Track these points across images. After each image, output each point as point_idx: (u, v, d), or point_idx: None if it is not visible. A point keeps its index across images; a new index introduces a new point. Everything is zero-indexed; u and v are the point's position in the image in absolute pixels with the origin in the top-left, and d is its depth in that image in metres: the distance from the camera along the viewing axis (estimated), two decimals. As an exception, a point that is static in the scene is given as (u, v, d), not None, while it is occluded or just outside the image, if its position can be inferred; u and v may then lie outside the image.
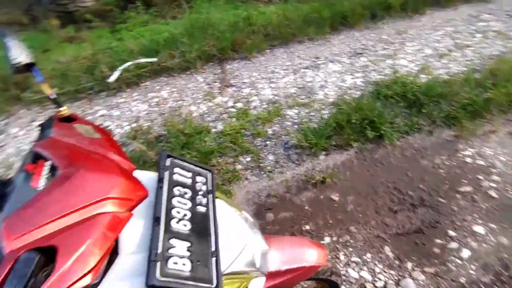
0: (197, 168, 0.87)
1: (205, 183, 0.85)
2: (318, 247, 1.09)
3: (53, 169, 0.65)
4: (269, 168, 2.16)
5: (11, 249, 0.51)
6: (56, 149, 0.70)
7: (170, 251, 0.64)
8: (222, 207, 0.89)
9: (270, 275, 0.94)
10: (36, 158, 0.68)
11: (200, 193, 0.81)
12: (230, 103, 2.74)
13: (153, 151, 2.25)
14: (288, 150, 2.26)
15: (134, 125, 2.62)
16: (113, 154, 0.74)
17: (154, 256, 0.61)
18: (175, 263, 0.64)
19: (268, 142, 2.34)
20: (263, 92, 2.81)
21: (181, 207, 0.74)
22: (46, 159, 0.67)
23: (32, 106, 3.07)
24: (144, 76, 3.21)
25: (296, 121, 2.47)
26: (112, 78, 3.13)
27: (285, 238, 1.10)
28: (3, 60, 0.87)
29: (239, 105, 2.70)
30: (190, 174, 0.83)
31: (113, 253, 0.64)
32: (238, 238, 0.84)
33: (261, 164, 2.18)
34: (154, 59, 3.27)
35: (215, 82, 3.06)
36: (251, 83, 2.96)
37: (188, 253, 0.67)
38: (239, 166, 2.18)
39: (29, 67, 0.81)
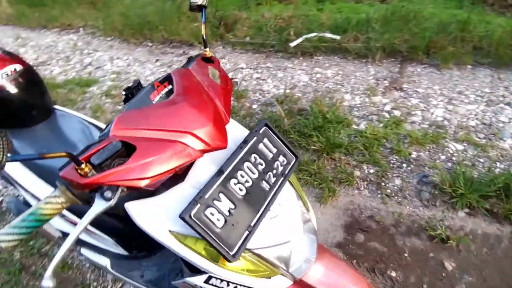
0: (285, 149, 0.86)
1: (284, 165, 0.84)
2: None
3: (170, 92, 0.78)
4: (388, 191, 1.89)
5: (113, 134, 0.67)
6: (183, 78, 0.83)
7: (214, 202, 0.69)
8: (288, 195, 0.87)
9: (299, 284, 0.88)
10: (166, 79, 0.83)
11: (274, 171, 0.81)
12: (388, 107, 2.46)
13: (289, 121, 2.34)
14: (422, 185, 1.89)
15: (288, 91, 2.76)
16: (219, 101, 0.82)
17: (198, 198, 0.67)
18: (212, 214, 0.68)
19: (404, 165, 2.02)
20: (432, 110, 2.37)
21: (248, 173, 0.76)
22: (170, 83, 0.81)
23: (228, 45, 3.67)
24: (320, 50, 3.25)
25: (453, 158, 2.00)
26: (294, 43, 3.30)
27: (340, 261, 0.99)
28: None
29: (396, 112, 2.39)
30: (275, 150, 0.84)
31: (179, 179, 0.75)
32: (286, 231, 0.81)
33: (382, 183, 1.93)
34: (337, 37, 3.22)
35: (385, 79, 2.78)
36: (424, 95, 2.53)
37: (227, 213, 0.70)
38: (357, 173, 2.01)
39: (201, 8, 0.95)
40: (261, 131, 0.83)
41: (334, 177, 1.99)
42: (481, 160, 1.97)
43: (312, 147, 2.15)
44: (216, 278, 0.75)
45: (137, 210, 0.70)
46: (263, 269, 0.78)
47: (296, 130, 2.27)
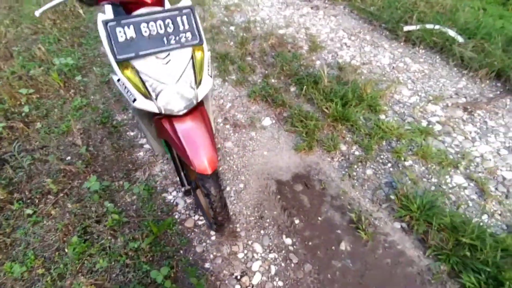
0: (196, 32, 1.19)
1: (187, 40, 1.19)
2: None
3: None
4: (354, 174, 1.95)
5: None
6: None
7: (125, 27, 1.14)
8: (183, 61, 1.22)
9: (168, 119, 1.28)
10: None
11: (177, 38, 1.16)
12: (434, 119, 2.27)
13: (329, 83, 2.47)
14: (387, 186, 1.87)
15: (356, 63, 2.78)
16: None
17: (117, 19, 1.14)
18: (119, 31, 1.13)
19: (389, 164, 1.98)
20: (476, 149, 2.09)
21: (157, 26, 1.16)
22: None
23: (349, 6, 3.70)
24: (428, 43, 2.97)
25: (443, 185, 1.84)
26: (408, 27, 3.11)
27: (205, 126, 1.31)
28: None
29: (437, 127, 2.20)
30: (187, 27, 1.18)
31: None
32: (166, 76, 1.20)
33: (355, 166, 1.99)
34: (461, 39, 2.86)
35: (465, 97, 2.46)
36: (487, 131, 2.19)
37: (128, 38, 1.14)
38: (343, 148, 2.09)
39: None
40: (183, 11, 1.19)
41: (320, 139, 2.15)
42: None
43: (325, 109, 2.29)
44: (119, 80, 1.23)
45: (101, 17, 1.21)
46: (141, 88, 1.21)
47: (328, 92, 2.40)
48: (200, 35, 1.21)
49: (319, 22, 3.47)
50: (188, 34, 1.20)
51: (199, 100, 1.28)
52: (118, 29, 1.12)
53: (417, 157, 1.99)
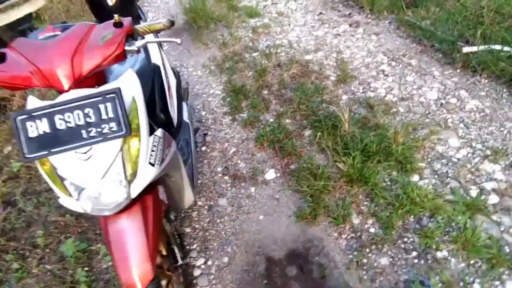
0: (122, 121, 0.94)
1: (111, 131, 0.95)
2: None
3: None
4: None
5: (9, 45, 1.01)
6: (76, 30, 1.02)
7: (37, 120, 0.93)
8: (109, 156, 0.98)
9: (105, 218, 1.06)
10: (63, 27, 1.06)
11: (99, 130, 0.93)
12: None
13: (350, 128, 2.04)
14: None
15: (394, 99, 2.27)
16: (84, 58, 0.96)
17: (27, 112, 0.94)
18: (31, 126, 0.92)
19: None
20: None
21: (75, 118, 0.93)
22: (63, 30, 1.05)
23: (396, 22, 3.14)
24: (493, 71, 2.31)
25: None
26: (468, 49, 2.47)
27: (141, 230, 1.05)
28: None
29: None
30: (111, 116, 0.93)
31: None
32: (88, 173, 0.98)
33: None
34: None
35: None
36: None
37: (41, 132, 0.92)
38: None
39: None
40: (107, 96, 0.96)
41: (329, 205, 1.74)
42: None
43: (339, 164, 1.87)
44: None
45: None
46: (61, 187, 1.02)
47: (347, 140, 1.98)
48: (126, 125, 0.96)
49: (355, 43, 2.98)
50: (112, 124, 0.95)
51: (133, 196, 1.04)
52: (29, 123, 0.93)
53: (456, 247, 1.47)
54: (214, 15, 3.79)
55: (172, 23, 1.18)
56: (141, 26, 1.13)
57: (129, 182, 1.02)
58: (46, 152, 0.93)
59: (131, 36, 1.10)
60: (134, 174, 1.03)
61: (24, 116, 0.91)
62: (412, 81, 2.45)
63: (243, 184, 2.01)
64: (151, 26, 1.14)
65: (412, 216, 1.63)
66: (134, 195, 1.03)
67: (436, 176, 1.79)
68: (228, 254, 1.69)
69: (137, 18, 1.92)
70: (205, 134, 2.37)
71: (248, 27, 3.55)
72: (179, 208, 1.63)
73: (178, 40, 1.14)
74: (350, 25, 3.27)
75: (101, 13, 1.79)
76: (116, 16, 1.02)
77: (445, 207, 1.61)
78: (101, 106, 0.94)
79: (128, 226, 1.06)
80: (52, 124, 0.92)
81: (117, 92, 0.94)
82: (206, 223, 1.86)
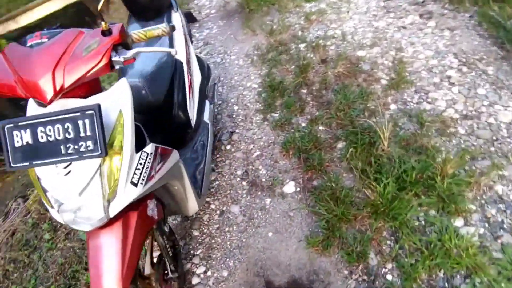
0: (99, 140, 0.88)
1: (87, 150, 0.89)
2: None
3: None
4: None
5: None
6: (62, 37, 0.96)
7: (22, 130, 0.90)
8: (88, 172, 0.94)
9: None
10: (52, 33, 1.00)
11: (76, 147, 0.88)
12: None
13: (390, 140, 1.75)
14: None
15: (455, 116, 1.88)
16: (67, 69, 0.90)
17: (15, 121, 0.93)
18: (16, 135, 0.90)
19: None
20: None
21: (55, 132, 0.89)
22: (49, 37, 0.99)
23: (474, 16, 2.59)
24: None
25: None
26: None
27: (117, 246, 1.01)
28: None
29: None
30: (89, 134, 0.88)
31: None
32: (67, 188, 0.95)
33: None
34: None
35: None
36: None
37: (24, 143, 0.91)
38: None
39: None
40: (86, 112, 0.90)
41: (345, 236, 1.54)
42: None
43: (367, 190, 1.63)
44: None
45: None
46: (44, 197, 1.02)
47: (382, 162, 1.71)
48: (101, 145, 0.90)
49: (422, 39, 2.53)
50: (89, 143, 0.90)
51: (112, 216, 1.00)
52: (15, 132, 0.92)
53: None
54: (269, -3, 3.56)
55: (172, 29, 1.06)
56: (136, 32, 1.03)
57: (108, 201, 0.98)
58: (27, 164, 0.92)
59: (124, 44, 1.02)
60: (113, 193, 0.98)
61: (11, 125, 0.90)
62: (483, 94, 2.00)
63: (259, 193, 1.89)
64: (147, 33, 1.03)
65: (442, 271, 1.35)
66: (112, 214, 0.99)
67: (486, 225, 1.45)
68: (228, 268, 1.62)
69: (168, 7, 1.84)
70: (232, 132, 2.27)
71: (302, 12, 3.25)
72: (183, 214, 1.58)
73: (173, 51, 1.02)
74: (421, 16, 2.78)
75: (133, 4, 1.75)
76: (103, 23, 0.93)
77: (489, 268, 1.29)
78: (80, 123, 0.89)
79: (106, 243, 1.03)
80: (34, 136, 0.90)
81: (95, 110, 0.88)
82: (214, 229, 1.80)
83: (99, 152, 0.89)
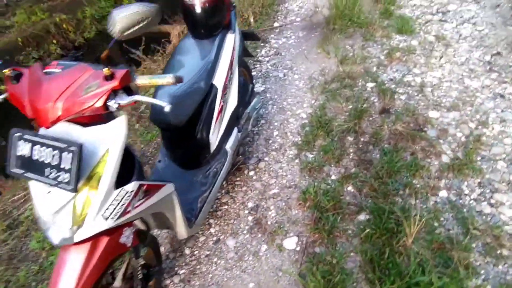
0: (74, 176, 0.93)
1: (58, 178, 0.95)
2: None
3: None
4: None
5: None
6: (73, 70, 1.00)
7: (21, 144, 1.00)
8: (62, 201, 1.01)
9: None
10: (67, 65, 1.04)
11: (51, 174, 0.94)
12: None
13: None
14: None
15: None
16: (63, 104, 0.95)
17: (18, 133, 1.03)
18: (15, 148, 1.01)
19: None
20: None
21: (45, 153, 0.97)
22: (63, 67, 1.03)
23: None
24: None
25: None
26: None
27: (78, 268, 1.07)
28: None
29: None
30: (67, 167, 0.92)
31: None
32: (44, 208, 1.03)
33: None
34: None
35: None
36: None
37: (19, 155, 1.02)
38: None
39: None
40: (70, 147, 0.94)
41: None
42: None
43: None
44: None
45: None
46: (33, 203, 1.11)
47: (393, 264, 1.46)
48: (73, 183, 0.93)
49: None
50: (66, 176, 0.95)
51: (76, 241, 1.05)
52: (20, 142, 1.02)
53: None
54: (359, 18, 3.27)
55: (178, 80, 1.02)
56: (142, 78, 1.02)
57: (78, 227, 1.03)
58: (21, 173, 1.00)
59: (126, 88, 1.02)
60: (81, 222, 1.03)
61: (19, 135, 0.99)
62: None
63: (259, 235, 1.80)
64: (152, 81, 1.02)
65: None
66: (77, 239, 1.04)
67: None
68: (197, 306, 1.60)
69: (227, 25, 1.80)
70: (260, 160, 2.19)
71: (387, 45, 2.92)
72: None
73: (167, 107, 0.99)
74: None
75: (190, 22, 1.75)
76: (105, 69, 0.94)
77: None
78: (64, 154, 0.95)
79: (71, 260, 1.08)
80: (31, 151, 0.98)
81: (76, 150, 0.92)
82: (204, 255, 1.78)
83: (71, 188, 0.94)
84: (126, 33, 0.94)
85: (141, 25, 0.95)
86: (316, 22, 3.57)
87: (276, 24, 3.71)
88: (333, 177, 1.97)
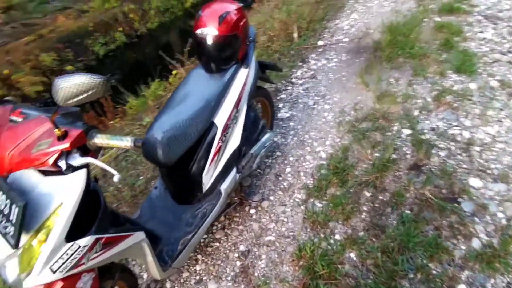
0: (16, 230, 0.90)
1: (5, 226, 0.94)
2: None
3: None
4: None
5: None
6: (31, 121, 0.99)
7: None
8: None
9: None
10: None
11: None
12: None
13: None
14: None
15: None
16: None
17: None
18: None
19: None
20: None
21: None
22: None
23: None
24: None
25: None
26: None
27: None
28: None
29: None
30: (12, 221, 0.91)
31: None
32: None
33: None
34: None
35: None
36: None
37: None
38: None
39: None
40: (18, 203, 0.90)
41: None
42: None
43: None
44: None
45: None
46: None
47: None
48: (15, 239, 0.90)
49: None
50: (11, 229, 0.93)
51: (26, 287, 1.03)
52: None
53: None
54: (414, 47, 2.92)
55: (137, 145, 0.94)
56: (101, 137, 0.94)
57: (27, 274, 1.01)
58: None
59: (82, 147, 0.96)
60: (29, 272, 1.00)
61: None
62: None
63: (242, 286, 1.67)
64: (110, 142, 0.94)
65: None
66: (25, 286, 1.01)
67: None
68: None
69: (241, 59, 1.67)
70: (264, 198, 2.04)
71: (438, 85, 2.55)
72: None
73: (116, 177, 0.90)
74: None
75: (201, 52, 1.64)
76: (57, 129, 0.88)
77: None
78: (13, 206, 0.92)
79: None
80: None
81: (20, 209, 0.89)
82: (182, 294, 1.71)
83: (12, 242, 0.91)
84: (69, 102, 0.88)
85: (85, 95, 0.88)
86: (364, 46, 3.27)
87: (320, 43, 3.47)
88: (337, 236, 1.76)
